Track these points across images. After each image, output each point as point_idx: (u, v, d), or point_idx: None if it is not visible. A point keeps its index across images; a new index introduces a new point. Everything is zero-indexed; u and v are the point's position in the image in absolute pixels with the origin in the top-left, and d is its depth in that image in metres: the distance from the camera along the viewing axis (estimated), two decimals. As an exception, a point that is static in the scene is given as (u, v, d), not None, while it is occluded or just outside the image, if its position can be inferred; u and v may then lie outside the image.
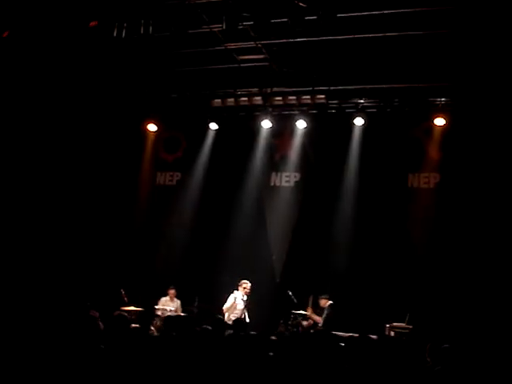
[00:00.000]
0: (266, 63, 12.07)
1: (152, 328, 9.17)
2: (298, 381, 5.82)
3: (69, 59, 12.12)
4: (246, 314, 11.76)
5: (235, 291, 11.90)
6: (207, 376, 5.93)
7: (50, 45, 11.43)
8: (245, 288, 11.87)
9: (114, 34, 10.60)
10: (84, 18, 10.73)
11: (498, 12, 9.74)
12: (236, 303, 11.75)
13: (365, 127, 12.85)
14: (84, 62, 12.31)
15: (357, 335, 7.27)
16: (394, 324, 10.97)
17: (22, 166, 13.38)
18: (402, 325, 10.89)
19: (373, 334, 9.55)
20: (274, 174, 14.16)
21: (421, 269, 12.17)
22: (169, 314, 11.99)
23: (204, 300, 12.54)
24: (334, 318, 11.48)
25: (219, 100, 13.36)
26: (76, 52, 11.83)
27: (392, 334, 10.80)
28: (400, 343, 8.86)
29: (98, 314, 8.57)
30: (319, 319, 11.68)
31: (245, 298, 11.88)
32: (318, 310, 11.91)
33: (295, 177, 13.97)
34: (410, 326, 10.81)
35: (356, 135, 13.02)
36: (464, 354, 7.06)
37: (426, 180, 12.87)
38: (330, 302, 11.70)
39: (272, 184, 14.14)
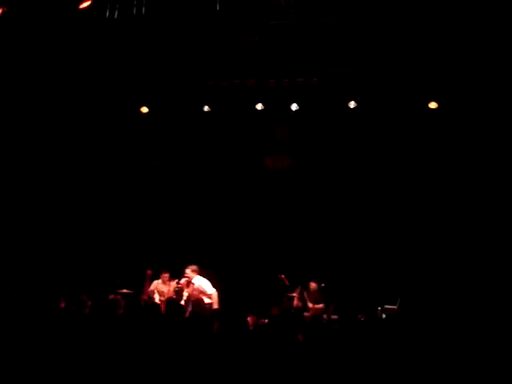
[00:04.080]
0: (260, 45, 12.00)
1: None
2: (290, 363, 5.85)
3: (60, 41, 12.00)
4: None
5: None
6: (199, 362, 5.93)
7: (40, 27, 11.30)
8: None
9: (107, 15, 10.52)
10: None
11: None
12: None
13: (358, 110, 12.84)
14: (76, 44, 12.18)
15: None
16: (386, 307, 11.04)
17: (12, 154, 13.30)
18: (394, 307, 10.97)
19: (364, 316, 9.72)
20: (267, 156, 14.12)
21: (413, 252, 12.24)
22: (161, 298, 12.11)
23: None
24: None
25: (212, 82, 13.27)
26: (68, 34, 11.71)
27: (384, 316, 10.87)
28: (390, 325, 8.94)
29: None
30: (311, 304, 11.72)
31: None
32: (309, 293, 11.94)
33: (288, 160, 13.93)
34: (401, 309, 10.88)
35: (350, 118, 13.01)
36: (455, 336, 7.12)
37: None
38: (322, 284, 11.73)
39: (265, 167, 14.11)
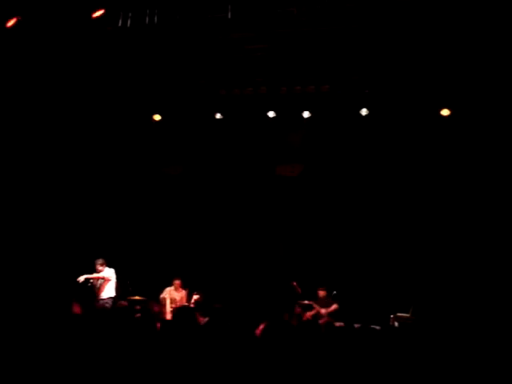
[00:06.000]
0: (272, 53, 12.02)
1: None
2: (302, 370, 5.84)
3: (74, 50, 12.07)
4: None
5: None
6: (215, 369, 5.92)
7: (54, 36, 11.37)
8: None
9: (119, 24, 10.57)
10: (89, 7, 10.68)
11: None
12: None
13: (370, 117, 12.83)
14: (89, 53, 12.25)
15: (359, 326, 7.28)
16: (399, 315, 11.00)
17: (25, 158, 13.38)
18: (407, 315, 10.93)
19: (377, 325, 9.69)
20: (278, 164, 14.13)
21: (426, 260, 12.19)
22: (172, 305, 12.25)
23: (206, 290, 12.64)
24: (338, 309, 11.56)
25: (224, 90, 13.32)
26: (81, 43, 11.78)
27: (396, 324, 10.84)
28: (404, 334, 8.87)
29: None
30: (323, 310, 11.73)
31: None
32: (318, 301, 11.96)
33: (300, 168, 13.93)
34: (414, 317, 10.84)
35: (361, 126, 13.00)
36: (467, 343, 7.07)
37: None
38: (334, 292, 11.72)
39: (277, 174, 14.12)
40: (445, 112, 12.26)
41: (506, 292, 11.14)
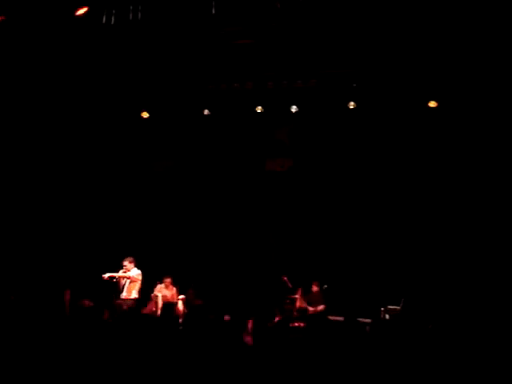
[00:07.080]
0: (258, 47, 11.97)
1: None
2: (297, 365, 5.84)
3: (58, 48, 12.00)
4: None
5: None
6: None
7: (38, 34, 11.30)
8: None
9: (103, 21, 10.49)
10: (72, 5, 10.61)
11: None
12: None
13: (358, 111, 12.80)
14: (73, 51, 12.17)
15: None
16: (389, 307, 11.02)
17: (18, 157, 13.33)
18: (397, 308, 10.94)
19: (368, 318, 9.70)
20: (267, 159, 14.12)
21: (416, 253, 12.20)
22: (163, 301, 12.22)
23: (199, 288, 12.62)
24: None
25: (212, 85, 13.27)
26: (65, 40, 11.70)
27: (387, 317, 10.86)
28: (394, 326, 8.88)
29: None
30: (311, 308, 11.77)
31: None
32: (310, 295, 11.98)
33: (289, 162, 13.92)
34: (405, 310, 10.85)
35: (349, 119, 12.98)
36: (456, 337, 7.09)
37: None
38: (325, 286, 11.74)
39: (266, 170, 14.10)
40: (432, 104, 12.24)
41: (497, 285, 11.17)
